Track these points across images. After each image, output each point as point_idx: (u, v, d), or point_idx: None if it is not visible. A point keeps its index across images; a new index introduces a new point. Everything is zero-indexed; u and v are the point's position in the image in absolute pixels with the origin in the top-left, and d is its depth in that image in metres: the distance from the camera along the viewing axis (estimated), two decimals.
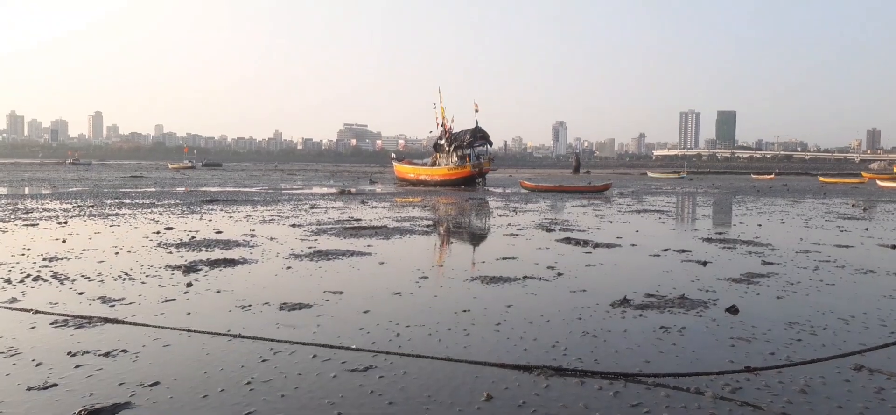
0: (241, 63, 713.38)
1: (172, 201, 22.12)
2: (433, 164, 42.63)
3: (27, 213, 16.73)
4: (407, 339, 5.43)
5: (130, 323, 5.78)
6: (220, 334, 5.48)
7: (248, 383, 4.35)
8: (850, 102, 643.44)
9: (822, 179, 58.34)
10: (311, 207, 20.05)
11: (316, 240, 11.91)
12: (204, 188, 33.04)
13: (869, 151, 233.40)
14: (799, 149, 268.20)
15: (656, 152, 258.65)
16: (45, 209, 18.01)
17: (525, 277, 8.25)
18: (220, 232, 12.94)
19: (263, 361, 4.81)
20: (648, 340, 5.48)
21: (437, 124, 43.14)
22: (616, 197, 28.49)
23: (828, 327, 5.93)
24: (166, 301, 6.72)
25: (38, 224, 14.00)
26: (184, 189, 31.71)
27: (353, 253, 10.27)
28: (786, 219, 17.89)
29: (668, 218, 18.30)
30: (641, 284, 7.82)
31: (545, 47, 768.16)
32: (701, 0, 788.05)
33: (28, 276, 7.95)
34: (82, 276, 8.02)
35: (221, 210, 18.58)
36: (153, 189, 31.16)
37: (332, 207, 20.24)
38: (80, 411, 3.84)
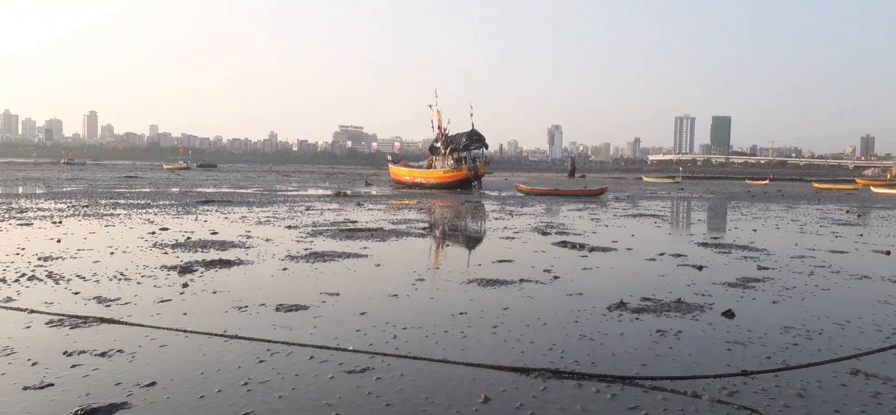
0: (237, 64, 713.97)
1: (167, 202, 22.06)
2: (429, 166, 42.59)
3: (21, 212, 16.66)
4: (404, 341, 5.42)
5: (126, 323, 5.76)
6: (216, 334, 5.46)
7: (245, 383, 4.34)
8: (845, 109, 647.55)
9: (816, 185, 58.47)
10: (307, 209, 20.02)
11: (312, 242, 11.89)
12: (199, 189, 32.95)
13: (863, 158, 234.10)
14: (793, 155, 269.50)
15: (651, 157, 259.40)
16: (39, 209, 17.94)
17: (521, 280, 8.25)
18: (215, 233, 12.90)
19: (260, 362, 4.80)
20: (645, 343, 5.49)
21: (434, 127, 43.19)
22: (611, 201, 28.55)
23: (823, 332, 5.95)
24: (162, 302, 6.69)
25: (32, 224, 13.94)
26: (179, 190, 31.62)
27: (349, 255, 10.26)
28: (781, 224, 17.95)
29: (664, 222, 18.34)
30: (637, 288, 7.84)
31: (541, 51, 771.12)
32: (697, 5, 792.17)
33: (23, 275, 7.91)
34: (78, 276, 7.98)
35: (217, 211, 18.54)
36: (148, 190, 31.07)
37: (328, 209, 20.22)
38: (77, 410, 3.82)
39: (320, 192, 32.93)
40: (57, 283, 7.54)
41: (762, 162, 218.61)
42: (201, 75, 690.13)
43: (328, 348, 5.13)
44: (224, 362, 4.78)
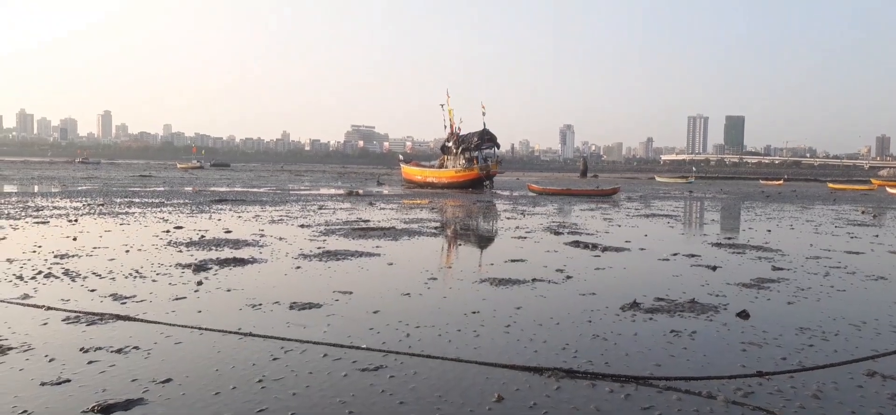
0: (251, 64, 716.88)
1: (181, 201, 22.22)
2: (441, 166, 42.57)
3: (38, 210, 16.84)
4: (417, 339, 5.43)
5: (142, 320, 5.81)
6: (231, 332, 5.50)
7: (260, 381, 4.37)
8: (860, 109, 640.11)
9: (831, 185, 58.01)
10: (320, 208, 20.10)
11: (325, 240, 11.94)
12: (212, 188, 33.16)
13: (878, 158, 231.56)
14: (808, 155, 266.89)
15: (664, 157, 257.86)
16: (55, 207, 18.13)
17: (534, 280, 8.24)
18: (229, 231, 12.98)
19: (274, 359, 4.82)
20: (659, 343, 5.47)
21: (445, 127, 43.19)
22: (624, 201, 28.43)
23: (840, 333, 5.90)
24: (177, 299, 6.75)
25: (48, 222, 14.09)
26: (192, 189, 31.83)
27: (361, 254, 10.29)
28: (795, 225, 17.81)
29: (677, 222, 18.25)
30: (651, 288, 7.80)
31: (553, 51, 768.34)
32: (710, 4, 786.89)
33: (40, 272, 8.00)
34: (93, 273, 8.06)
35: (230, 210, 18.65)
36: (162, 188, 31.31)
37: (340, 208, 20.28)
38: (94, 406, 3.86)
39: (332, 191, 33.03)
40: (73, 280, 7.62)
41: (776, 162, 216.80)
42: (215, 75, 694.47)
43: (342, 346, 5.15)
44: (239, 359, 4.81)
